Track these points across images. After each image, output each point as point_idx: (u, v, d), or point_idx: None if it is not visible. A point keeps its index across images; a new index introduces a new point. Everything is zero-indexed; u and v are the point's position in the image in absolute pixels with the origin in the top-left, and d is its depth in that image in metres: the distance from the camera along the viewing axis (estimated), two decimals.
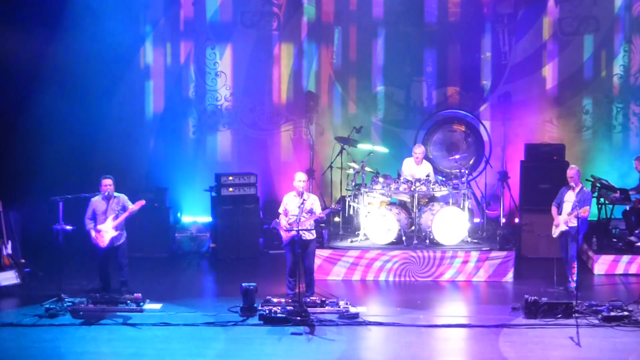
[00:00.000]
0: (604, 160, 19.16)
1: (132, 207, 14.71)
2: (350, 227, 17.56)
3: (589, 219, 15.14)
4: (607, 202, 17.36)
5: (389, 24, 19.48)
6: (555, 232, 15.13)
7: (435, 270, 16.28)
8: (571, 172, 15.08)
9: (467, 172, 17.33)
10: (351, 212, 17.50)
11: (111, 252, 14.79)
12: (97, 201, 14.74)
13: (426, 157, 17.70)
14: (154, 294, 14.91)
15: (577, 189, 15.01)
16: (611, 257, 16.68)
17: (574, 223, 14.69)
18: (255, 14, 19.50)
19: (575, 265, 14.97)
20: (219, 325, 13.65)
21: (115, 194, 14.82)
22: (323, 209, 15.11)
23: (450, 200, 16.94)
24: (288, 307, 13.87)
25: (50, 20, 18.22)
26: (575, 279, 14.92)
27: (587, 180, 17.79)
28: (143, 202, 14.79)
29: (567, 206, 15.00)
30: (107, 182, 14.71)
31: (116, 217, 14.65)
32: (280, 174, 19.34)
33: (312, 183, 18.52)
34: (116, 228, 14.66)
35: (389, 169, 17.55)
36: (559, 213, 15.12)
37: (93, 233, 14.66)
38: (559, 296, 14.59)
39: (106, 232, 14.61)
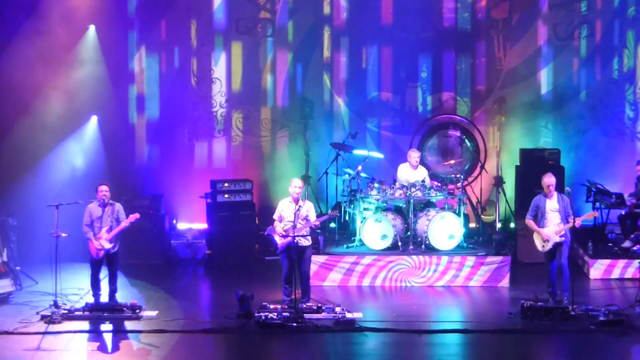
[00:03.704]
0: (599, 164, 19.15)
1: (125, 221, 14.64)
2: (346, 233, 17.56)
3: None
4: (602, 206, 17.37)
5: (384, 30, 19.50)
6: (547, 246, 14.61)
7: (431, 275, 16.29)
8: (552, 179, 14.64)
9: (462, 177, 17.35)
10: (347, 218, 17.51)
11: (104, 260, 14.73)
12: (92, 207, 14.69)
13: (421, 162, 17.70)
14: (150, 301, 14.91)
15: (555, 197, 14.65)
16: (607, 261, 16.68)
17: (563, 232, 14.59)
18: (249, 20, 19.51)
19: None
20: (215, 331, 13.63)
21: (111, 201, 14.78)
22: (318, 216, 15.13)
23: (446, 206, 16.95)
24: (284, 314, 13.87)
25: (47, 26, 18.22)
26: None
27: (582, 185, 17.84)
28: (137, 215, 14.73)
29: (553, 216, 14.57)
30: (103, 189, 14.65)
31: (110, 228, 14.60)
32: (275, 180, 19.33)
33: (308, 189, 18.51)
34: (110, 240, 14.62)
35: (384, 175, 17.55)
36: (543, 225, 14.66)
37: (93, 242, 14.59)
38: (554, 301, 14.57)
39: (101, 245, 14.56)
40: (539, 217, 14.74)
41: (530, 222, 14.82)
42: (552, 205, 14.63)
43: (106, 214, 14.64)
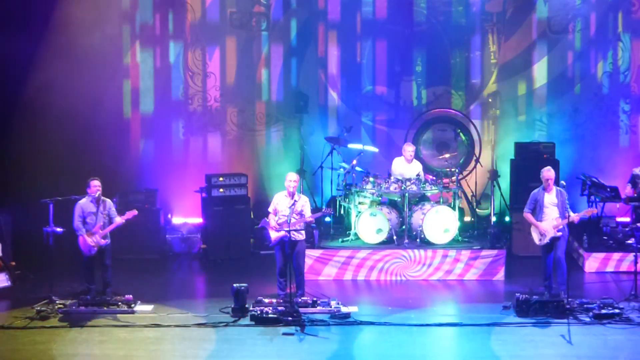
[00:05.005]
0: (594, 158, 19.16)
1: (122, 218, 14.61)
2: (341, 226, 17.55)
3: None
4: (597, 200, 17.36)
5: (378, 24, 19.49)
6: (544, 240, 14.61)
7: (427, 269, 16.30)
8: (551, 173, 14.63)
9: (457, 171, 17.34)
10: (342, 212, 17.50)
11: (96, 255, 14.71)
12: (84, 203, 14.65)
13: (416, 156, 17.70)
14: (145, 296, 14.88)
15: (554, 191, 14.64)
16: (602, 254, 16.70)
17: (561, 226, 14.57)
18: (244, 14, 19.49)
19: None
20: (211, 326, 13.64)
21: (103, 198, 14.74)
22: (313, 211, 15.10)
23: (441, 200, 16.95)
24: (279, 308, 13.87)
25: (40, 23, 18.16)
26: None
27: (577, 178, 17.84)
28: (135, 212, 14.73)
29: (552, 210, 14.55)
30: (97, 183, 14.61)
31: (103, 225, 14.58)
32: (270, 175, 19.31)
33: (303, 183, 18.50)
34: (104, 237, 14.61)
35: (379, 169, 17.56)
36: (540, 219, 14.65)
37: (85, 238, 14.54)
38: (550, 295, 14.56)
39: (95, 241, 14.53)
40: (537, 211, 14.72)
41: (528, 215, 14.81)
42: (550, 199, 14.62)
43: (99, 211, 14.60)
